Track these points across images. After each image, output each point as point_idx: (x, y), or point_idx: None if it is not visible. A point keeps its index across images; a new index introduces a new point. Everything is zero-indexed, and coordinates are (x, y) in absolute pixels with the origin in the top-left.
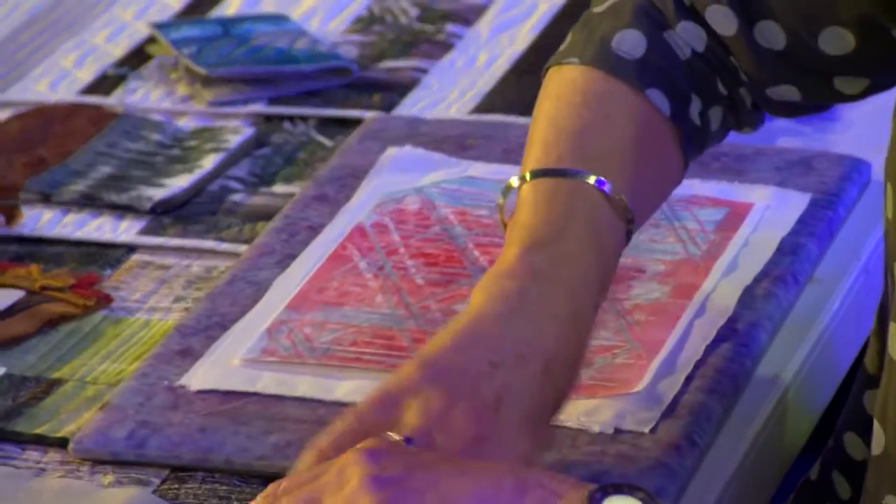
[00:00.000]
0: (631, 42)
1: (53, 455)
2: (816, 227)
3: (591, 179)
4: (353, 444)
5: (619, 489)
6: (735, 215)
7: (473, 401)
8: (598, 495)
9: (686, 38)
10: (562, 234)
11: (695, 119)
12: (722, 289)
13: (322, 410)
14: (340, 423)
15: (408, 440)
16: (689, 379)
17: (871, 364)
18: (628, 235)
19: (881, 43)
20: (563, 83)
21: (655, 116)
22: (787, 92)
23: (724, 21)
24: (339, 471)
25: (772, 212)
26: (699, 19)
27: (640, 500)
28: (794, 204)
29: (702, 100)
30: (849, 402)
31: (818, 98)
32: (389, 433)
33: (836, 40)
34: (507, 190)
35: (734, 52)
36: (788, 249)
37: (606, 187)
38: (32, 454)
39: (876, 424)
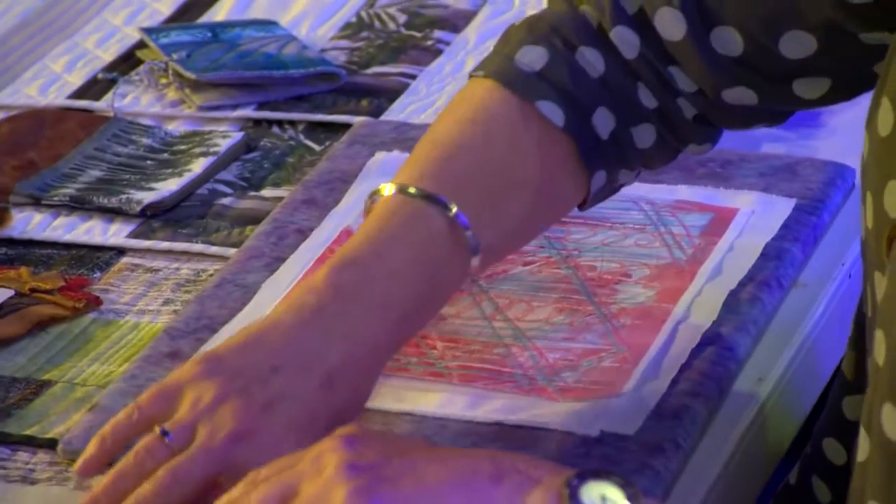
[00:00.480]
0: (532, 56)
1: (42, 456)
2: (801, 232)
3: (453, 210)
4: (131, 434)
5: (596, 475)
6: (720, 220)
7: (243, 398)
8: (576, 481)
9: (619, 42)
10: (380, 255)
11: (600, 132)
12: (707, 293)
13: None
14: (122, 414)
15: (164, 433)
16: (673, 382)
17: (849, 370)
18: (486, 260)
19: (844, 46)
20: (464, 95)
21: (547, 130)
22: (744, 95)
23: (673, 25)
24: (317, 457)
25: (756, 217)
26: (636, 27)
27: (618, 485)
28: (779, 209)
29: (621, 116)
30: (827, 408)
31: (776, 102)
32: (156, 426)
33: (798, 44)
34: (375, 195)
35: (679, 58)
36: (773, 254)
37: (456, 215)
38: (21, 455)
39: (862, 431)
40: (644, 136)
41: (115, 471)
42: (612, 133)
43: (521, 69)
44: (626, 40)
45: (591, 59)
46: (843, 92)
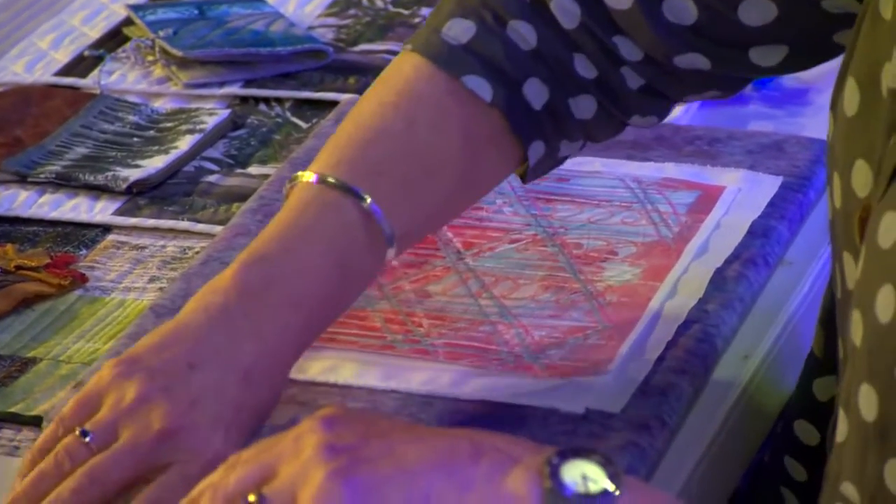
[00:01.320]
0: (459, 29)
1: (27, 433)
2: (787, 209)
3: (367, 201)
4: (54, 446)
5: (577, 453)
6: (707, 198)
7: (167, 396)
8: (557, 459)
9: (560, 13)
10: (290, 251)
11: (532, 104)
12: (693, 271)
13: (294, 390)
14: (47, 431)
15: (84, 433)
16: (659, 360)
17: (819, 350)
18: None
19: (805, 14)
20: (392, 71)
21: (475, 104)
22: (697, 60)
23: None
24: (295, 439)
25: (743, 195)
26: None
27: (598, 463)
28: (766, 187)
29: (556, 87)
30: (798, 390)
31: (731, 69)
32: (76, 428)
33: (757, 11)
34: (294, 180)
35: (625, 27)
36: (759, 232)
37: (370, 206)
38: (6, 432)
39: (840, 412)
40: (583, 106)
41: (35, 472)
42: (547, 104)
43: (447, 42)
44: (566, 10)
45: (523, 32)
46: (799, 60)
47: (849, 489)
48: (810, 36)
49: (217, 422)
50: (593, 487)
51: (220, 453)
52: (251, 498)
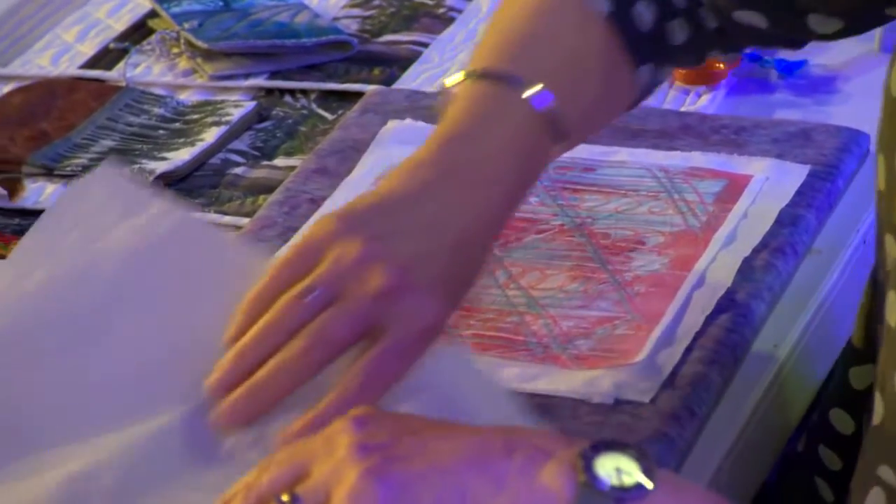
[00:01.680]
0: None
1: None
2: (815, 198)
3: (530, 89)
4: (275, 295)
5: (611, 446)
6: (734, 187)
7: (388, 259)
8: (590, 453)
9: None
10: (475, 137)
11: (641, 23)
12: (721, 260)
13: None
14: (266, 277)
15: (309, 291)
16: (688, 350)
17: (858, 339)
18: (562, 148)
19: None
20: None
21: (597, 23)
22: (753, 18)
23: None
24: (328, 439)
25: (770, 183)
26: None
27: (632, 457)
28: (793, 175)
29: (658, 9)
30: (835, 378)
31: (787, 30)
32: (300, 284)
33: None
34: (446, 89)
35: None
36: (787, 221)
37: (537, 99)
38: None
39: (876, 395)
40: (677, 32)
41: (254, 332)
42: (652, 26)
43: None
44: None
45: None
46: (853, 30)
47: (885, 471)
48: (865, 10)
49: (432, 288)
50: (627, 480)
51: (432, 321)
52: (284, 498)
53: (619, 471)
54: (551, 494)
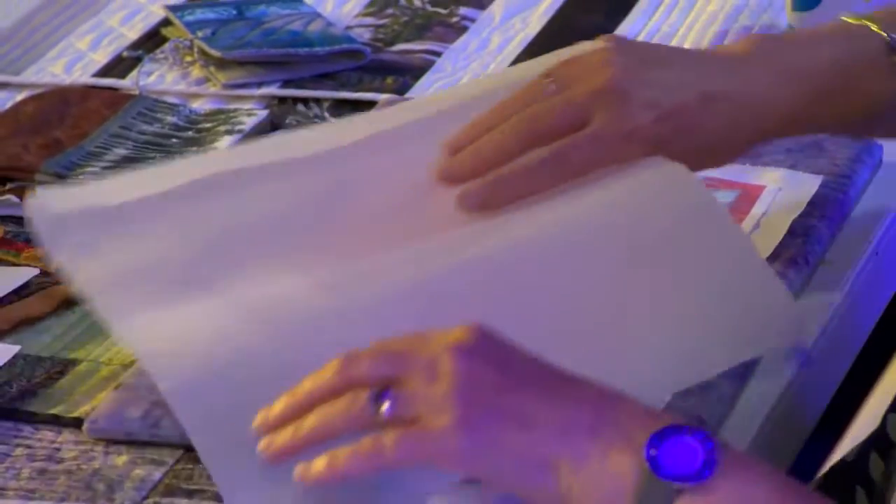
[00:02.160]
0: None
1: (68, 435)
2: (827, 209)
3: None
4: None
5: (679, 430)
6: (746, 197)
7: (625, 67)
8: (658, 438)
9: None
10: (797, 42)
11: None
12: None
13: None
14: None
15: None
16: None
17: None
18: None
19: None
20: None
21: None
22: None
23: None
24: (430, 363)
25: (783, 194)
26: None
27: (699, 441)
28: (806, 186)
29: None
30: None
31: None
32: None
33: None
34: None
35: None
36: (799, 231)
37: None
38: (47, 434)
39: None
40: None
41: (492, 109)
42: None
43: None
44: None
45: None
46: None
47: None
48: None
49: (652, 107)
50: (688, 468)
51: (637, 127)
52: (374, 390)
53: (682, 456)
54: (619, 480)
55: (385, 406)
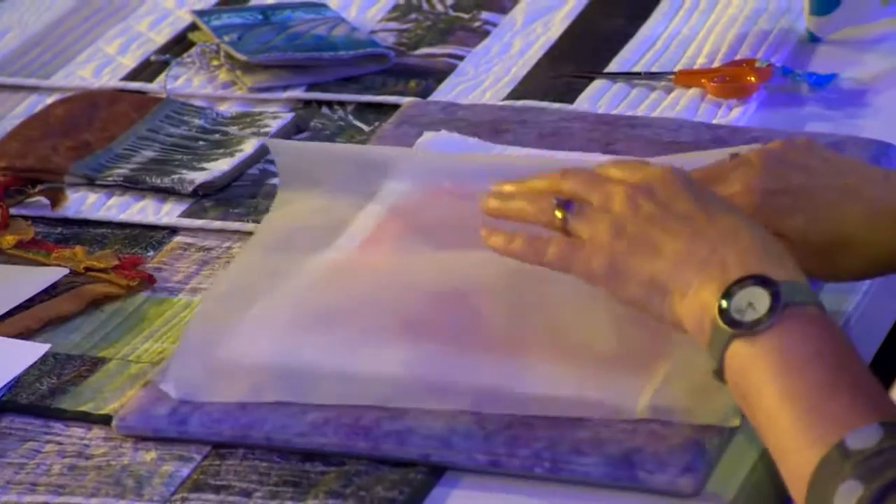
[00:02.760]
0: None
1: (97, 432)
2: None
3: None
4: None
5: (757, 280)
6: None
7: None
8: (735, 286)
9: None
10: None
11: None
12: None
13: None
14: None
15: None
16: None
17: None
18: None
19: None
20: None
21: None
22: None
23: None
24: (610, 194)
25: None
26: None
27: (769, 292)
28: None
29: None
30: None
31: None
32: None
33: None
34: None
35: None
36: None
37: None
38: (76, 431)
39: None
40: None
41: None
42: None
43: None
44: None
45: None
46: None
47: None
48: None
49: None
50: (750, 316)
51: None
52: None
53: (750, 304)
54: (704, 312)
55: (564, 214)
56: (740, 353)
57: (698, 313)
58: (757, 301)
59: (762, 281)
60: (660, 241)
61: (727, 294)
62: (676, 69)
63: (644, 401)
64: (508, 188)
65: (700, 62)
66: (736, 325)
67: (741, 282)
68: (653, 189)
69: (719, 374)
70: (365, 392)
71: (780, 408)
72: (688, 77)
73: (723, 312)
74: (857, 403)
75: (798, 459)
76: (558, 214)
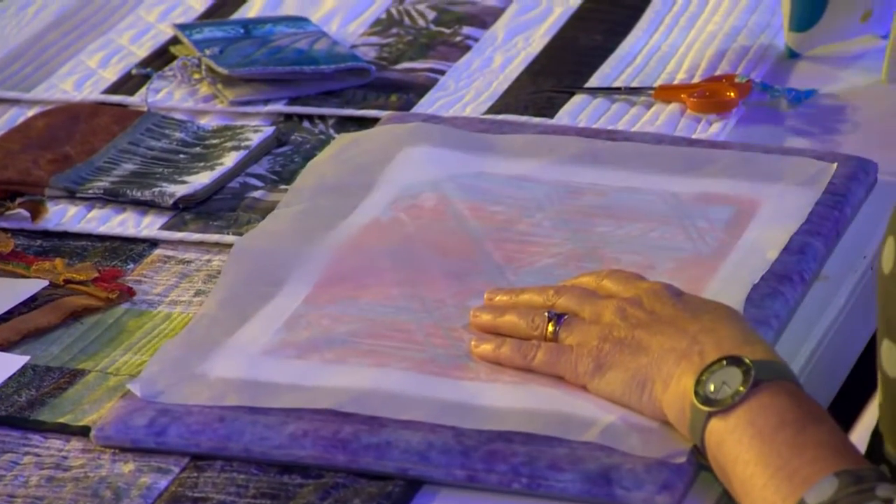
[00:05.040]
0: None
1: (75, 444)
2: (823, 226)
3: None
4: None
5: (731, 360)
6: (744, 213)
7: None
8: (712, 367)
9: None
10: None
11: None
12: (729, 287)
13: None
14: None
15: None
16: None
17: None
18: None
19: None
20: None
21: None
22: None
23: None
24: (599, 310)
25: (779, 211)
26: None
27: (742, 371)
28: (802, 203)
29: None
30: None
31: None
32: None
33: None
34: None
35: None
36: (796, 248)
37: None
38: (55, 443)
39: (879, 373)
40: None
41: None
42: None
43: None
44: None
45: None
46: None
47: (889, 451)
48: None
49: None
50: (724, 393)
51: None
52: (551, 313)
53: (724, 384)
54: (683, 400)
55: (555, 326)
56: (717, 429)
57: (679, 400)
58: (730, 380)
59: (735, 361)
60: (645, 341)
61: (704, 376)
62: (656, 84)
63: (594, 431)
64: (501, 300)
65: (680, 77)
66: (711, 404)
67: (716, 363)
68: (641, 301)
69: (701, 454)
70: (322, 398)
71: (753, 474)
72: (668, 92)
73: (699, 394)
74: (818, 459)
75: None
76: (550, 328)
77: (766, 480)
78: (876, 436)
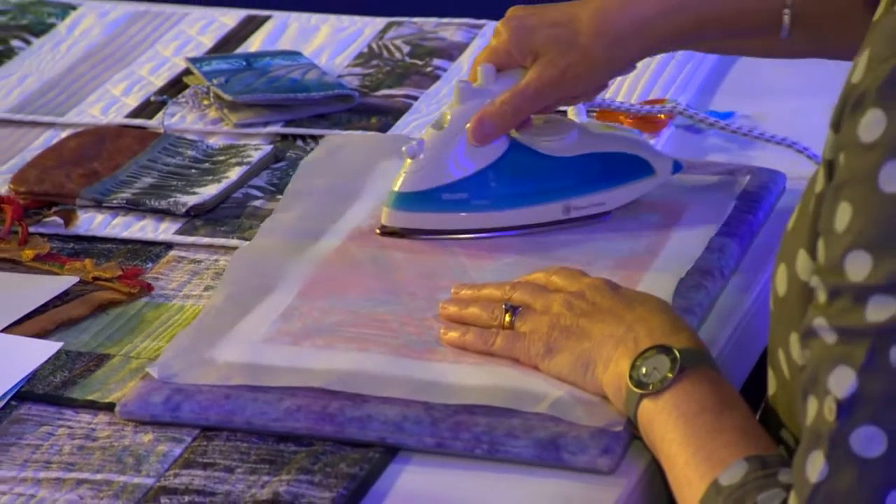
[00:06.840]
0: None
1: (102, 417)
2: (739, 228)
3: None
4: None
5: (663, 349)
6: (669, 217)
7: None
8: (644, 354)
9: None
10: None
11: None
12: (660, 281)
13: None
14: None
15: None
16: None
17: None
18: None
19: None
20: None
21: None
22: None
23: None
24: (549, 302)
25: (702, 215)
26: None
27: (670, 358)
28: (721, 208)
29: None
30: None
31: None
32: None
33: None
34: None
35: None
36: (716, 247)
37: None
38: (84, 417)
39: (769, 370)
40: None
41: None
42: None
43: None
44: None
45: None
46: None
47: (785, 434)
48: None
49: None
50: (654, 378)
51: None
52: (507, 305)
53: (654, 369)
54: (620, 380)
55: (511, 317)
56: (647, 409)
57: (616, 380)
58: (660, 366)
59: (664, 350)
60: (588, 328)
61: (637, 362)
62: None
63: (545, 403)
64: (466, 294)
65: (619, 100)
66: (643, 387)
67: (647, 351)
68: (584, 294)
69: (634, 427)
70: (313, 378)
71: (677, 452)
72: (607, 115)
73: (633, 377)
74: (731, 443)
75: (688, 494)
76: (507, 318)
77: (687, 458)
78: (765, 422)
